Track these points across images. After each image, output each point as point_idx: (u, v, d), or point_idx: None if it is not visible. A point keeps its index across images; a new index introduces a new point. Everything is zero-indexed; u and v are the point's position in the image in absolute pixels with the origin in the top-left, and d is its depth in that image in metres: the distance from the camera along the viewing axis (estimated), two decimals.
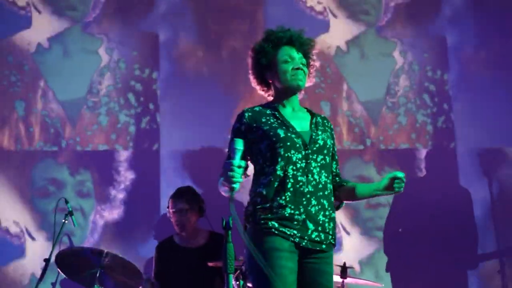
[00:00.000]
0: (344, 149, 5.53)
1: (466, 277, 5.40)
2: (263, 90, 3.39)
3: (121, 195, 5.41)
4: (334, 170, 3.33)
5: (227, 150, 3.22)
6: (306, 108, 3.39)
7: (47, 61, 5.55)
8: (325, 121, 3.38)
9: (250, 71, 3.39)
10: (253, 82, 3.40)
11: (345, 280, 4.48)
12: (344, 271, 4.43)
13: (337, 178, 3.34)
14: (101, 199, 5.39)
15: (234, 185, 2.92)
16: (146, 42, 5.63)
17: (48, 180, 5.38)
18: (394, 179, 3.14)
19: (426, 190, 5.49)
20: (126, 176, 5.44)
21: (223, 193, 3.12)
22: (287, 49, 3.31)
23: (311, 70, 3.39)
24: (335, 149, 3.36)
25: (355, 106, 5.66)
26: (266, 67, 3.32)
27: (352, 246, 5.44)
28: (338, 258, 4.61)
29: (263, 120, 3.23)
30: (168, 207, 4.85)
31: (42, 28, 5.58)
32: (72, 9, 5.64)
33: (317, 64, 3.42)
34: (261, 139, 3.18)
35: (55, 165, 5.40)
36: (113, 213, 5.39)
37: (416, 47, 5.76)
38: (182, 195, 4.83)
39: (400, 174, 3.14)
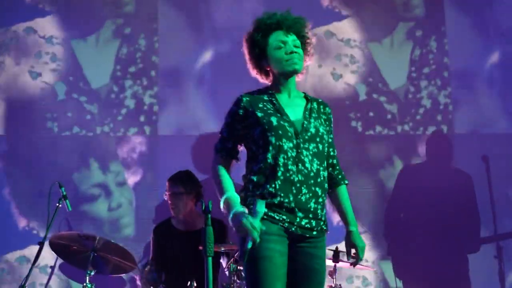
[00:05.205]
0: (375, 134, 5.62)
1: (467, 261, 5.40)
2: (263, 78, 3.36)
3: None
4: (327, 154, 3.28)
5: (220, 132, 3.26)
6: (304, 93, 3.36)
7: (82, 47, 5.61)
8: (322, 106, 3.34)
9: (247, 62, 3.36)
10: (252, 72, 3.37)
11: (337, 264, 4.49)
12: (336, 255, 4.43)
13: (330, 169, 3.30)
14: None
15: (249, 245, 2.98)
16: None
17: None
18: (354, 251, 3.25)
19: (425, 175, 5.49)
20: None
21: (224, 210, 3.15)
22: (277, 34, 3.27)
23: (308, 48, 3.34)
24: (332, 136, 3.33)
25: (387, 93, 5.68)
26: (260, 56, 3.29)
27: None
28: None
29: (260, 105, 3.22)
30: (166, 190, 4.86)
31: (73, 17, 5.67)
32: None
33: (314, 40, 3.37)
34: (255, 125, 3.18)
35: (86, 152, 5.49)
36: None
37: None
38: (179, 178, 4.84)
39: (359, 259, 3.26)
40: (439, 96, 5.69)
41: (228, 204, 3.08)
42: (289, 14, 3.31)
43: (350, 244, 3.25)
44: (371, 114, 5.65)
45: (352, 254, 3.25)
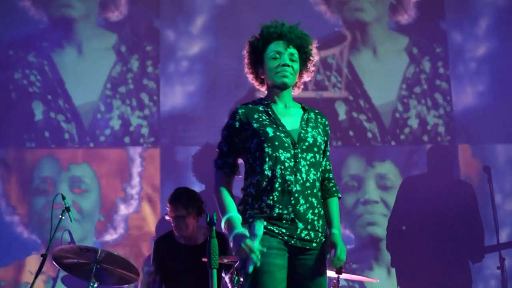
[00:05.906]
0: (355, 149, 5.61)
1: (470, 272, 5.40)
2: (258, 85, 3.35)
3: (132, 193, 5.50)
4: (323, 168, 3.28)
5: (219, 147, 3.23)
6: (300, 104, 3.34)
7: (65, 61, 5.62)
8: (319, 116, 3.32)
9: (245, 65, 3.34)
10: (249, 77, 3.36)
11: (341, 276, 4.48)
12: (339, 267, 4.41)
13: (326, 182, 3.28)
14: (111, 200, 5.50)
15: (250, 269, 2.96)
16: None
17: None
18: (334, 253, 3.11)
19: (428, 186, 5.50)
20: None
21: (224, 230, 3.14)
22: (275, 44, 3.24)
23: (308, 65, 3.31)
24: (328, 147, 3.31)
25: (370, 109, 5.67)
26: (257, 63, 3.29)
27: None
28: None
29: (255, 116, 3.20)
30: (167, 208, 4.82)
31: (59, 27, 5.68)
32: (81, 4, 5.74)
33: (316, 58, 3.33)
34: (251, 137, 3.16)
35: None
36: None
37: (427, 42, 5.76)
38: (179, 200, 4.75)
39: (339, 260, 3.10)
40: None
41: (229, 225, 3.07)
42: (295, 28, 3.28)
43: (331, 244, 3.15)
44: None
45: (332, 255, 3.13)
